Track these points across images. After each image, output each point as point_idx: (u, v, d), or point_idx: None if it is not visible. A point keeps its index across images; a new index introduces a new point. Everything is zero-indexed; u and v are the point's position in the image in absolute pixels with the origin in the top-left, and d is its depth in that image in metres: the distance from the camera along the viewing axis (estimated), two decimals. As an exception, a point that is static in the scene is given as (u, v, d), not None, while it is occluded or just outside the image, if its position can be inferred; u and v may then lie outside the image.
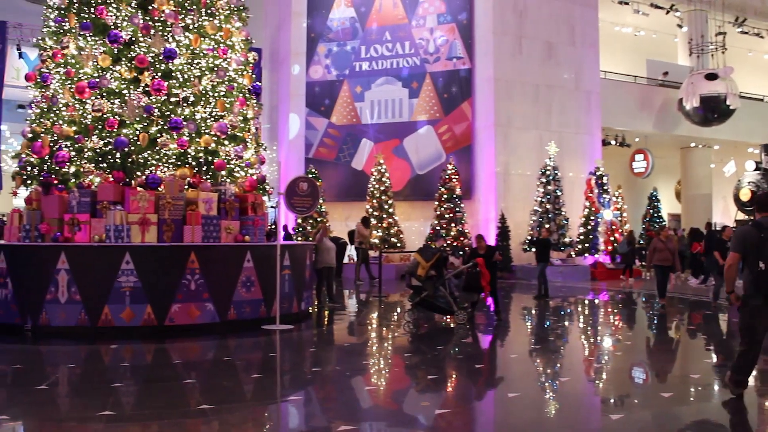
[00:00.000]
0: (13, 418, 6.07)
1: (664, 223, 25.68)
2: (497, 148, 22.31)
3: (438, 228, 21.33)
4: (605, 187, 22.80)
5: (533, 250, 20.24)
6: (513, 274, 21.40)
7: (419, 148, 23.66)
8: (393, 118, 24.05)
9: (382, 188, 22.27)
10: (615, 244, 22.46)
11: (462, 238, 21.14)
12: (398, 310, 14.27)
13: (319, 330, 11.65)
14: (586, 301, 16.35)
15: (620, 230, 23.15)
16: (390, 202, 22.35)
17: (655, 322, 12.74)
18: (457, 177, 21.74)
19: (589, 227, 21.83)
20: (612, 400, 6.93)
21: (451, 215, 21.43)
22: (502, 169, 22.36)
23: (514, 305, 14.92)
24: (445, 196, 21.55)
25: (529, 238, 21.22)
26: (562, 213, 21.40)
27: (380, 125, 24.12)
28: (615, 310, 14.80)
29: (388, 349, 9.88)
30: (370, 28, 24.63)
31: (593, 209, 21.97)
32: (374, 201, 22.29)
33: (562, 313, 13.96)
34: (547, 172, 21.45)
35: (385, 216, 22.08)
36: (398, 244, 21.85)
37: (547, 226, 20.32)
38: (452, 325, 11.44)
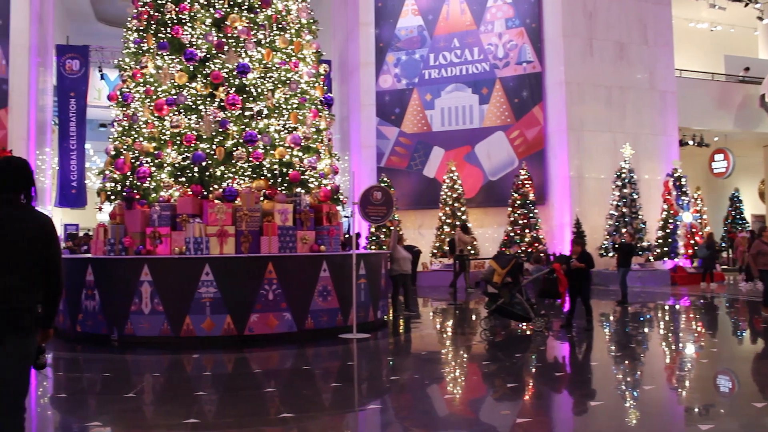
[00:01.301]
0: (104, 425, 6.28)
1: (763, 225, 24.65)
2: (570, 152, 21.97)
3: (512, 234, 21.12)
4: (684, 189, 22.12)
5: (611, 254, 19.88)
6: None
7: (491, 154, 23.50)
8: (464, 124, 23.97)
9: (454, 195, 22.20)
10: (695, 248, 21.76)
11: (536, 244, 20.86)
12: (474, 317, 14.18)
13: (395, 338, 11.67)
14: (667, 307, 15.90)
15: (700, 233, 22.44)
16: (463, 209, 22.26)
17: (744, 328, 12.29)
18: (530, 182, 21.49)
19: (668, 231, 21.23)
20: (697, 410, 6.71)
21: (524, 221, 21.19)
22: (576, 173, 21.99)
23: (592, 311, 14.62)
24: (518, 202, 21.34)
25: (606, 243, 20.77)
26: (639, 216, 20.89)
27: (451, 132, 24.07)
28: (697, 316, 14.34)
29: (465, 357, 9.81)
30: (438, 35, 24.64)
31: (671, 212, 21.36)
32: (447, 208, 22.24)
33: (642, 319, 13.62)
34: (623, 175, 20.99)
35: (458, 223, 21.99)
36: (472, 251, 21.72)
37: (624, 230, 19.87)
38: (528, 333, 11.29)
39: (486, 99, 23.72)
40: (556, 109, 22.45)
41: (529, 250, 20.57)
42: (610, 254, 20.39)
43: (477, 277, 21.32)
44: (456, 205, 22.19)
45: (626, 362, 9.18)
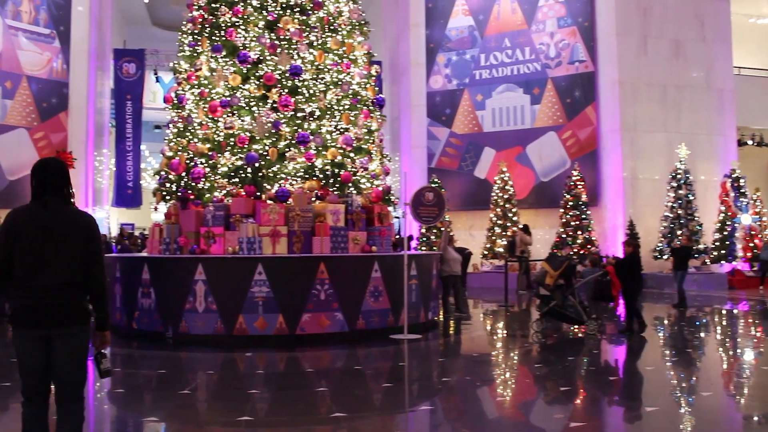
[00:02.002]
0: (161, 420, 6.40)
1: None
2: (624, 153, 21.60)
3: (564, 236, 20.86)
4: (742, 190, 21.53)
5: (665, 257, 19.49)
6: (643, 282, 20.55)
7: (543, 155, 23.28)
8: (515, 125, 23.80)
9: (505, 196, 22.04)
10: (755, 251, 21.16)
11: (589, 246, 20.56)
12: (525, 319, 14.05)
13: (446, 339, 11.63)
14: (724, 311, 15.51)
15: (760, 236, 21.82)
16: (514, 210, 22.08)
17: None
18: (582, 183, 21.19)
19: (725, 233, 20.69)
20: (756, 418, 6.51)
21: (577, 222, 20.91)
22: (630, 174, 21.61)
23: (646, 315, 14.28)
24: (570, 203, 21.06)
25: (660, 245, 20.37)
26: (695, 218, 20.41)
27: (502, 133, 23.91)
28: (756, 321, 13.95)
29: (516, 359, 9.72)
30: (489, 35, 24.51)
31: (729, 214, 20.81)
32: (498, 209, 22.09)
33: (698, 323, 13.31)
34: (678, 176, 20.54)
35: (509, 224, 21.82)
36: (500, 251, 21.55)
37: (679, 232, 19.44)
38: (580, 335, 11.14)
39: (537, 99, 23.50)
40: (609, 109, 22.11)
41: (582, 252, 20.29)
42: (665, 257, 19.99)
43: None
44: (507, 206, 22.02)
45: (682, 367, 8.98)
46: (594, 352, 10.10)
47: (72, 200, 4.21)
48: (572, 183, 21.18)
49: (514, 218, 22.03)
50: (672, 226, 20.33)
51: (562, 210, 21.26)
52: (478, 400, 7.27)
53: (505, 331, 12.60)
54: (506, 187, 22.18)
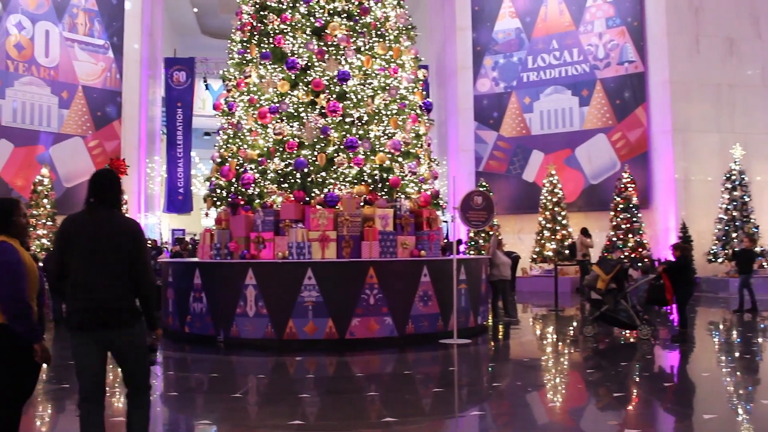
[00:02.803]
0: (213, 423, 6.47)
1: None
2: (676, 154, 21.15)
3: (614, 239, 20.52)
4: (800, 191, 20.93)
5: (720, 260, 19.03)
6: (697, 286, 20.12)
7: (592, 157, 22.97)
8: (563, 127, 23.54)
9: (554, 200, 21.81)
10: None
11: (640, 249, 20.20)
12: (575, 324, 13.86)
13: (496, 344, 11.54)
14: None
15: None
16: (563, 213, 21.84)
17: None
18: (633, 185, 20.82)
19: (783, 235, 20.12)
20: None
21: (627, 225, 20.54)
22: (682, 176, 21.15)
23: (700, 319, 14.03)
24: (620, 206, 20.70)
25: (714, 248, 19.90)
26: (751, 220, 19.89)
27: (551, 135, 23.68)
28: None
29: (567, 364, 9.59)
30: (536, 37, 24.31)
31: (787, 215, 20.23)
32: (547, 213, 21.87)
33: (755, 328, 12.96)
34: (732, 177, 20.05)
35: (558, 228, 21.58)
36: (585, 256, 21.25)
37: (735, 234, 18.97)
38: (632, 340, 10.94)
39: (586, 101, 23.21)
40: (660, 110, 21.70)
41: (633, 255, 19.94)
42: (719, 260, 19.53)
43: (578, 284, 20.85)
44: (556, 209, 21.79)
45: (739, 374, 8.74)
46: (647, 357, 9.91)
47: (121, 207, 4.44)
48: (622, 185, 20.81)
49: (563, 222, 21.78)
50: (727, 228, 19.85)
51: (612, 213, 20.91)
52: (528, 405, 7.19)
53: (555, 336, 12.45)
54: (555, 190, 21.95)
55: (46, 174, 20.47)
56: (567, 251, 20.65)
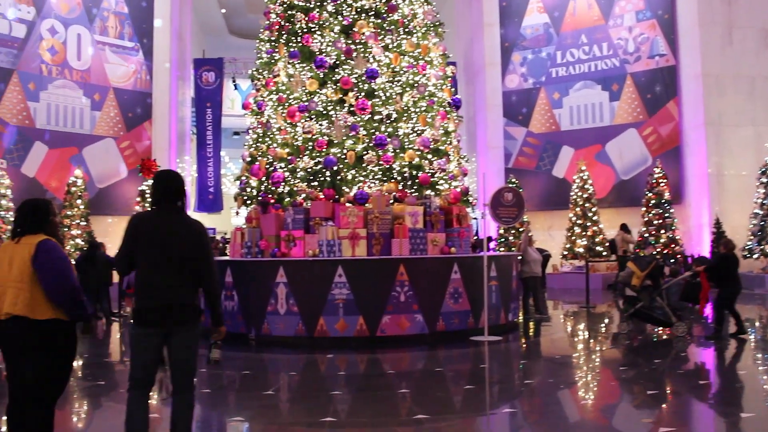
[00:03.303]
0: (245, 420, 6.52)
1: None
2: (709, 148, 20.82)
3: (646, 235, 20.27)
4: (839, 185, 20.46)
5: (756, 256, 18.70)
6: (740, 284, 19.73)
7: (623, 153, 22.72)
8: (593, 122, 23.32)
9: (585, 196, 21.54)
10: None
11: (673, 245, 19.92)
12: (607, 321, 13.74)
13: (527, 341, 11.48)
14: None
15: None
16: (594, 209, 21.58)
17: None
18: (665, 181, 20.52)
19: (822, 230, 19.71)
20: None
21: (659, 221, 20.26)
22: (715, 171, 20.84)
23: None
24: (652, 202, 20.43)
25: (749, 243, 19.55)
26: (789, 215, 19.51)
27: (580, 131, 23.48)
28: None
29: (599, 361, 9.50)
30: (564, 32, 24.10)
31: (825, 210, 19.80)
32: (577, 209, 21.63)
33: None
34: (768, 172, 19.70)
35: (589, 224, 21.35)
36: (604, 253, 21.03)
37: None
38: (665, 337, 10.80)
39: (616, 95, 22.97)
40: (692, 104, 21.39)
41: (665, 251, 19.67)
42: (755, 256, 19.21)
43: (610, 280, 20.66)
44: (587, 205, 21.54)
45: (778, 370, 8.60)
46: (682, 354, 9.79)
47: (186, 209, 4.60)
48: (654, 181, 20.53)
49: (594, 218, 21.55)
50: (762, 223, 19.49)
51: (644, 209, 20.65)
52: (560, 402, 7.12)
53: (587, 333, 12.35)
54: (585, 186, 21.68)
55: (79, 175, 20.75)
56: (605, 246, 20.34)
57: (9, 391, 4.48)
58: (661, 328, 11.19)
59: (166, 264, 4.33)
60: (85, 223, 20.10)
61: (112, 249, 17.59)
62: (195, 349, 4.51)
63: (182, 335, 4.39)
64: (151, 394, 4.53)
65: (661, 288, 10.73)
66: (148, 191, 21.51)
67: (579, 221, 21.45)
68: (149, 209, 4.52)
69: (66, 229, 19.38)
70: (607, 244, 20.08)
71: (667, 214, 20.23)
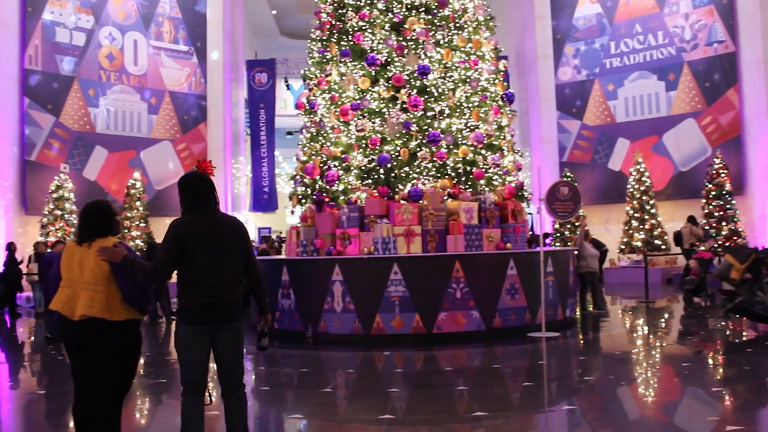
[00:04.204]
0: (304, 417, 6.56)
1: None
2: (772, 136, 20.22)
3: (707, 227, 19.80)
4: None
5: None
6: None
7: (681, 143, 22.22)
8: (650, 113, 22.86)
9: (642, 188, 21.22)
10: None
11: (735, 238, 19.41)
12: (667, 316, 13.46)
13: (585, 337, 11.31)
14: None
15: None
16: (652, 202, 21.22)
17: None
18: (725, 171, 20.02)
19: None
20: None
21: (721, 213, 19.78)
22: (779, 159, 20.21)
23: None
24: (713, 193, 19.96)
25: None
26: None
27: (636, 122, 23.04)
28: None
29: (661, 357, 9.29)
30: (618, 22, 23.69)
31: None
32: (634, 202, 21.31)
33: None
34: (836, 160, 19.04)
35: (647, 217, 20.98)
36: (663, 247, 20.62)
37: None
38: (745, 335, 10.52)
39: (673, 85, 22.47)
40: (753, 91, 20.76)
41: (728, 244, 19.18)
42: None
43: (669, 274, 20.24)
44: (644, 198, 21.19)
45: None
46: (750, 351, 9.49)
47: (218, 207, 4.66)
48: (714, 171, 20.05)
49: (652, 211, 21.16)
50: (829, 214, 18.88)
51: (704, 200, 20.19)
52: (620, 400, 6.99)
53: (646, 328, 12.11)
54: (642, 179, 21.34)
55: (138, 177, 21.25)
56: (665, 239, 19.92)
57: (75, 390, 4.61)
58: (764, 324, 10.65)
59: (218, 263, 4.39)
60: (144, 224, 20.59)
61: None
62: (242, 347, 4.58)
63: (229, 333, 4.45)
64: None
65: (762, 281, 10.21)
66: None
67: (636, 214, 21.14)
68: (186, 215, 4.51)
69: (126, 231, 19.87)
70: (670, 236, 19.63)
71: (728, 206, 19.75)
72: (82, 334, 4.42)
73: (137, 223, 20.62)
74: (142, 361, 9.10)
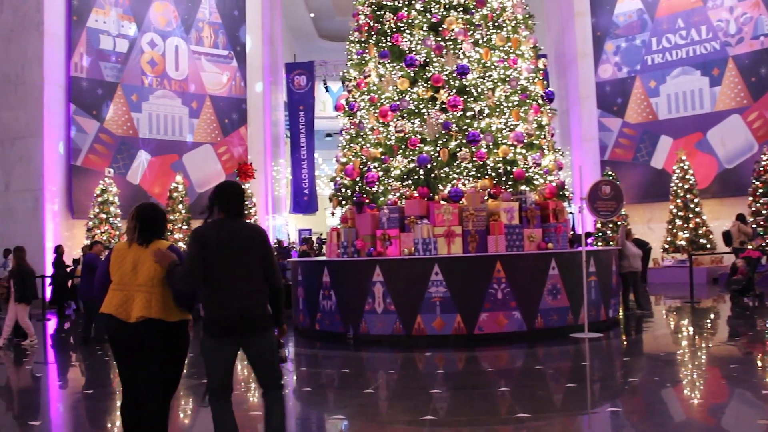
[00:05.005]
0: (346, 418, 6.59)
1: None
2: (824, 131, 19.69)
3: (754, 226, 19.37)
4: None
5: None
6: None
7: (725, 140, 21.77)
8: (693, 110, 22.46)
9: (686, 186, 20.87)
10: None
11: (784, 236, 18.96)
12: (713, 316, 13.22)
13: (628, 338, 11.17)
14: None
15: None
16: (696, 200, 20.85)
17: None
18: (773, 167, 19.57)
19: None
20: None
21: (768, 211, 19.34)
22: (833, 155, 19.66)
23: None
24: (760, 191, 19.52)
25: None
26: None
27: (679, 119, 22.66)
28: None
29: (708, 359, 9.12)
30: (660, 17, 23.32)
31: None
32: (678, 200, 20.96)
33: None
34: None
35: (691, 216, 20.63)
36: (708, 246, 20.25)
37: None
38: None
39: (717, 81, 22.03)
40: (803, 85, 20.25)
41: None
42: None
43: (715, 274, 19.85)
44: (688, 196, 20.83)
45: None
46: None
47: (245, 215, 4.67)
48: (762, 168, 19.62)
49: (697, 209, 20.79)
50: None
51: (750, 198, 19.76)
52: (665, 402, 6.87)
53: (692, 329, 11.91)
54: (686, 177, 20.99)
55: (180, 181, 21.58)
56: (709, 238, 19.52)
57: (124, 390, 4.70)
58: None
59: (240, 273, 4.37)
60: (186, 227, 20.89)
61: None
62: (273, 349, 4.54)
63: (259, 342, 4.45)
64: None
65: None
66: (245, 194, 22.11)
67: (680, 213, 20.80)
68: (210, 220, 4.53)
69: (169, 233, 20.18)
70: (716, 235, 19.24)
71: (776, 203, 19.28)
72: (138, 335, 4.49)
73: (180, 225, 20.94)
74: (186, 361, 9.21)
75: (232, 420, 4.46)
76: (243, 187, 4.71)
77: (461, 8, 12.15)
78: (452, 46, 11.88)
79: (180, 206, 21.16)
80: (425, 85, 11.82)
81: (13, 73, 19.69)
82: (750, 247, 16.36)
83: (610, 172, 22.17)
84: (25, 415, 7.19)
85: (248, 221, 4.68)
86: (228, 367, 4.45)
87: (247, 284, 4.38)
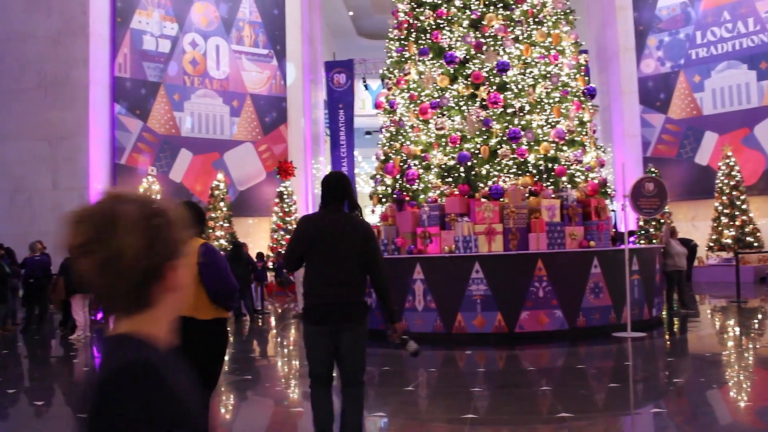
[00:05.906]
0: (386, 416, 6.61)
1: None
2: None
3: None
4: None
5: None
6: None
7: (774, 135, 21.28)
8: (739, 105, 21.98)
9: (732, 183, 20.46)
10: None
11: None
12: (760, 316, 12.94)
13: (672, 338, 11.01)
14: None
15: None
16: (742, 197, 20.43)
17: None
18: (824, 164, 19.11)
19: None
20: None
21: (819, 208, 18.89)
22: None
23: None
24: (810, 187, 19.08)
25: None
26: None
27: (725, 114, 22.19)
28: None
29: (755, 360, 8.95)
30: (704, 10, 22.87)
31: None
32: (724, 198, 20.56)
33: None
34: None
35: (737, 213, 20.22)
36: (755, 244, 19.84)
37: None
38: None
39: (765, 74, 21.53)
40: None
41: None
42: None
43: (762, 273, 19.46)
44: (734, 193, 20.43)
45: None
46: None
47: (358, 209, 4.76)
48: (811, 164, 19.16)
49: (743, 207, 20.38)
50: None
51: (800, 195, 19.32)
52: (710, 403, 6.77)
53: (738, 329, 11.68)
54: (732, 173, 20.58)
55: (221, 179, 21.82)
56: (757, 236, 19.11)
57: None
58: None
59: (333, 263, 4.47)
60: (228, 225, 21.13)
61: (253, 249, 18.36)
62: (363, 344, 4.63)
63: (350, 332, 4.52)
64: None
65: None
66: (285, 192, 22.31)
67: (726, 210, 20.41)
68: (318, 210, 4.72)
69: (210, 231, 20.43)
70: (763, 233, 18.87)
71: (826, 200, 18.83)
72: None
73: (221, 223, 21.17)
74: (227, 358, 9.34)
75: (330, 406, 4.62)
76: (346, 177, 4.84)
77: (501, 4, 12.09)
78: (492, 43, 11.82)
79: (221, 204, 21.40)
80: (465, 82, 11.78)
81: (61, 74, 20.10)
82: None
83: (653, 169, 21.85)
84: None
85: (358, 217, 4.71)
86: (324, 356, 4.57)
87: (342, 274, 4.48)
